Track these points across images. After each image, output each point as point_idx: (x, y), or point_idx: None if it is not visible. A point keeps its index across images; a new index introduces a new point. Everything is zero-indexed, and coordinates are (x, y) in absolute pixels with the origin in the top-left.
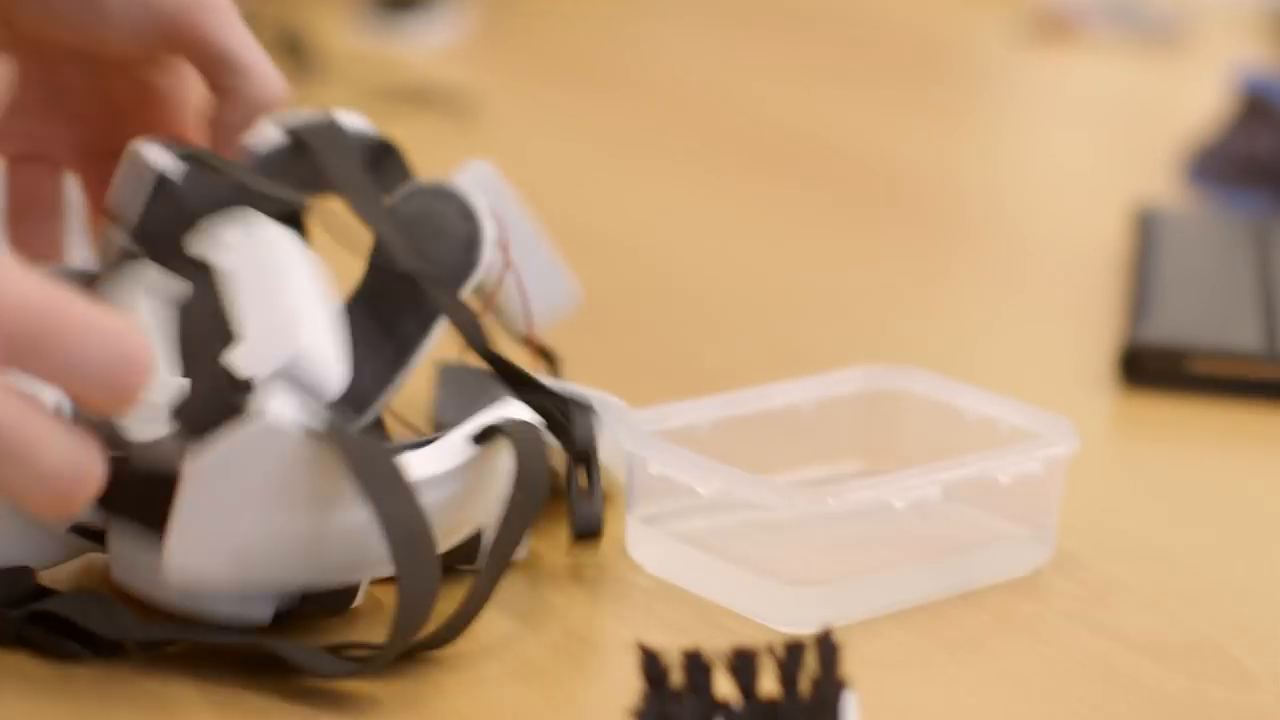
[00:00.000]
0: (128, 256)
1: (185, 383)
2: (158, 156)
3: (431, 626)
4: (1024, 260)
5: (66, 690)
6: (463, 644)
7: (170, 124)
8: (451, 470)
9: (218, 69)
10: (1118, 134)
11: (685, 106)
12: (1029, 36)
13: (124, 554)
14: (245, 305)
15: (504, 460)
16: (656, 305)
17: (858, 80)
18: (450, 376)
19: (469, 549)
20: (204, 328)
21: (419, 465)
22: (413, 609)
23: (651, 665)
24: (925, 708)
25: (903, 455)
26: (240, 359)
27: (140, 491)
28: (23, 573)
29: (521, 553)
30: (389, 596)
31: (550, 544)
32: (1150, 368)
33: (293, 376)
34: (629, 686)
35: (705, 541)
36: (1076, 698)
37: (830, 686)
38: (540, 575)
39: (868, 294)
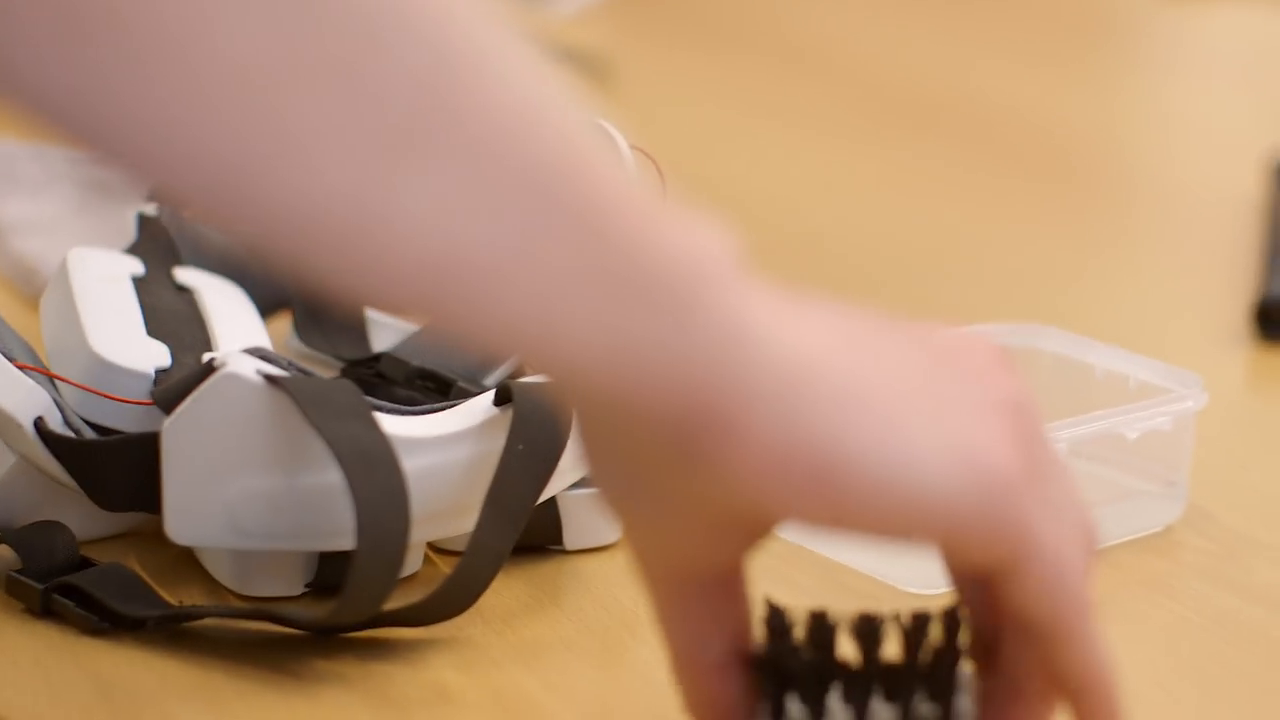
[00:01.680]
0: None
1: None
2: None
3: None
4: (1161, 215)
5: (87, 662)
6: (571, 604)
7: None
8: (452, 434)
9: None
10: (1259, 87)
11: (825, 69)
12: None
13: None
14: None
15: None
16: (792, 267)
17: (995, 36)
18: None
19: (553, 527)
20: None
21: (403, 426)
22: (371, 560)
23: (775, 618)
24: None
25: None
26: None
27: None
28: (66, 539)
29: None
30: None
31: None
32: None
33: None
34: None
35: None
36: (1209, 656)
37: (952, 657)
38: None
39: (1001, 251)
